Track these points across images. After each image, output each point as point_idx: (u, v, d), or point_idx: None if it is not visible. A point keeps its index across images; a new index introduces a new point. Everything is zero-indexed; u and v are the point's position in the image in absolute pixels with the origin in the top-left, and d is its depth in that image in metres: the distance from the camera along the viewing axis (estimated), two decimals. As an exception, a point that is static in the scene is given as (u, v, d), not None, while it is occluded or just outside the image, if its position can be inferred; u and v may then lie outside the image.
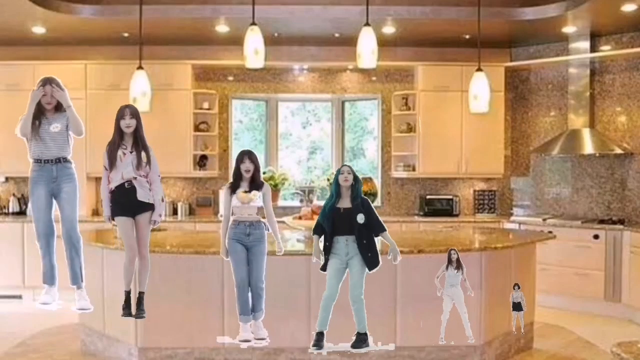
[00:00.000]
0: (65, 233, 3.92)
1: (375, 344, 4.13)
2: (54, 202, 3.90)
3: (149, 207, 3.87)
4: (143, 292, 3.98)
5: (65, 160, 3.88)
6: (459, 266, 4.18)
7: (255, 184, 3.89)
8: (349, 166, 3.95)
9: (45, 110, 3.83)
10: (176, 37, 7.23)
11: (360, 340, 3.99)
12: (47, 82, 3.85)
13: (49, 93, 3.81)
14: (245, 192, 3.84)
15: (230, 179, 3.98)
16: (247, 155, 3.89)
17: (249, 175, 3.86)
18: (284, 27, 6.89)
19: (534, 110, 7.78)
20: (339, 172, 3.93)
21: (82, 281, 3.95)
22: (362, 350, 4.06)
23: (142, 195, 3.82)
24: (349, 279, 3.90)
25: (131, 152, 3.81)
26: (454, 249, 4.20)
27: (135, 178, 3.80)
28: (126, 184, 3.80)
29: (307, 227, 4.90)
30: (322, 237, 3.94)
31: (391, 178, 7.96)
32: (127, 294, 3.96)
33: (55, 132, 3.81)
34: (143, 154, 3.83)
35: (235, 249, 3.87)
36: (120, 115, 3.84)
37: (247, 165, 3.85)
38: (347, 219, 3.85)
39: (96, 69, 7.32)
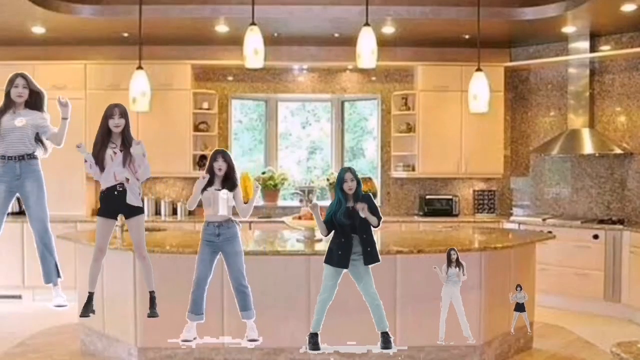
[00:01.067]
0: (36, 234, 3.87)
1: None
2: (13, 201, 3.86)
3: (139, 210, 3.86)
4: (153, 291, 4.00)
5: (30, 157, 3.80)
6: (458, 265, 4.18)
7: (230, 182, 3.90)
8: (350, 171, 3.88)
9: (15, 104, 3.77)
10: (176, 37, 7.23)
11: (386, 339, 4.01)
12: (20, 76, 3.81)
13: (20, 85, 3.77)
14: (218, 190, 3.87)
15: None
16: (220, 154, 3.91)
17: (221, 174, 3.88)
18: (284, 27, 6.90)
19: (533, 110, 7.78)
20: (342, 179, 3.85)
21: (58, 278, 3.94)
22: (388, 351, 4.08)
23: (131, 200, 3.79)
24: (358, 280, 3.90)
25: (121, 151, 3.77)
26: (454, 249, 4.20)
27: (127, 180, 3.77)
28: (118, 187, 3.76)
29: (307, 227, 4.90)
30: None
31: (391, 178, 7.96)
32: (90, 295, 3.92)
33: (19, 127, 3.73)
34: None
35: (202, 250, 3.90)
36: (109, 114, 3.78)
37: (219, 163, 3.87)
38: (353, 216, 3.85)
39: (96, 69, 7.31)
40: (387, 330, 4.01)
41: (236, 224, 3.93)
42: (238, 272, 3.91)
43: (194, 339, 4.06)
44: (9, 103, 3.78)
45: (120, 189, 3.77)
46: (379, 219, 3.86)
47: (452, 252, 4.17)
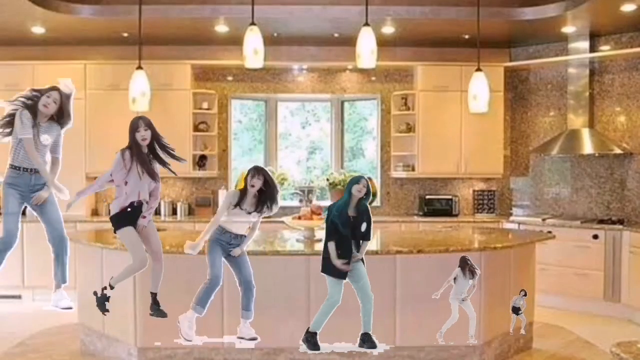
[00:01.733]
0: (59, 236, 3.95)
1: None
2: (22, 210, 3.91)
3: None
4: (156, 294, 4.02)
5: None
6: (473, 274, 4.20)
7: (265, 205, 3.91)
8: (367, 180, 3.93)
9: (40, 115, 3.77)
10: (175, 37, 7.23)
11: (371, 339, 4.05)
12: (55, 89, 3.82)
13: (52, 97, 3.77)
14: (249, 212, 3.88)
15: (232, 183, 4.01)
16: (258, 171, 3.88)
17: (254, 190, 3.87)
18: (284, 27, 6.90)
19: (533, 110, 7.78)
20: (357, 181, 3.89)
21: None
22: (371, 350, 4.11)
23: (144, 210, 3.84)
24: (357, 280, 3.92)
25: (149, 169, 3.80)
26: (469, 258, 4.23)
27: (146, 202, 3.80)
28: (135, 203, 3.77)
29: (307, 227, 4.90)
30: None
31: (390, 178, 7.96)
32: (111, 288, 3.97)
33: (44, 145, 3.81)
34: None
35: (216, 248, 3.92)
36: (134, 128, 3.75)
37: (255, 180, 3.86)
38: (353, 226, 3.89)
39: (95, 69, 7.31)
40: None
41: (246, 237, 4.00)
42: (249, 271, 3.97)
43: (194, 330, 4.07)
44: (36, 114, 3.76)
45: (138, 204, 3.78)
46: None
47: (467, 260, 4.21)
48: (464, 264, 4.21)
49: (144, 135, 3.75)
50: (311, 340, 4.05)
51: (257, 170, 3.87)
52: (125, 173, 3.70)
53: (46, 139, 3.79)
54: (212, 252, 3.93)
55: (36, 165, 3.76)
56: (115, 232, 3.82)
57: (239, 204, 3.86)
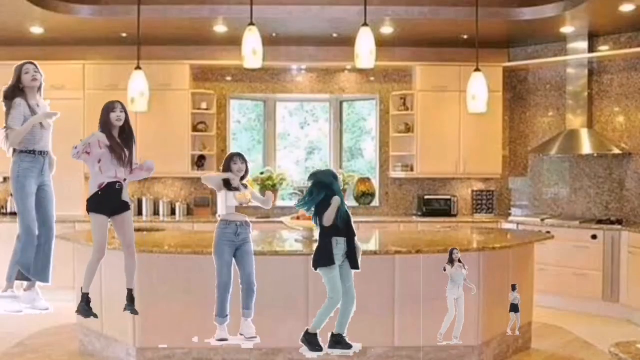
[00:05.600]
0: (50, 229, 3.91)
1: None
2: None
3: (128, 206, 3.85)
4: (132, 289, 3.96)
5: (49, 152, 3.86)
6: (462, 263, 4.19)
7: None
8: (332, 170, 3.97)
9: (30, 90, 3.76)
10: (174, 37, 7.23)
11: (345, 340, 3.98)
12: (29, 62, 3.83)
13: (31, 70, 3.79)
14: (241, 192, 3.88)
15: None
16: (238, 156, 3.94)
17: (240, 175, 3.91)
18: (282, 27, 6.90)
19: (531, 110, 7.78)
20: (335, 177, 3.89)
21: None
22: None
23: (125, 195, 3.80)
24: (345, 281, 3.85)
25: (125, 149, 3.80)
26: (456, 248, 4.20)
27: (124, 179, 3.76)
28: (117, 185, 3.73)
29: (305, 227, 4.91)
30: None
31: (389, 178, 7.96)
32: (86, 295, 3.87)
33: (50, 122, 3.79)
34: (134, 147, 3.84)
35: (223, 250, 3.87)
36: (110, 108, 3.75)
37: (239, 165, 3.90)
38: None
39: (94, 69, 7.31)
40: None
41: (250, 226, 3.97)
42: (251, 271, 3.93)
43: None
44: (23, 93, 3.76)
45: (119, 187, 3.75)
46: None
47: (455, 252, 4.18)
48: (450, 257, 4.19)
49: (119, 116, 3.74)
50: (313, 341, 3.94)
51: (238, 156, 3.94)
52: (99, 151, 3.67)
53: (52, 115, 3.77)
54: (219, 257, 3.87)
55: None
56: (88, 213, 3.77)
57: (228, 186, 3.86)
